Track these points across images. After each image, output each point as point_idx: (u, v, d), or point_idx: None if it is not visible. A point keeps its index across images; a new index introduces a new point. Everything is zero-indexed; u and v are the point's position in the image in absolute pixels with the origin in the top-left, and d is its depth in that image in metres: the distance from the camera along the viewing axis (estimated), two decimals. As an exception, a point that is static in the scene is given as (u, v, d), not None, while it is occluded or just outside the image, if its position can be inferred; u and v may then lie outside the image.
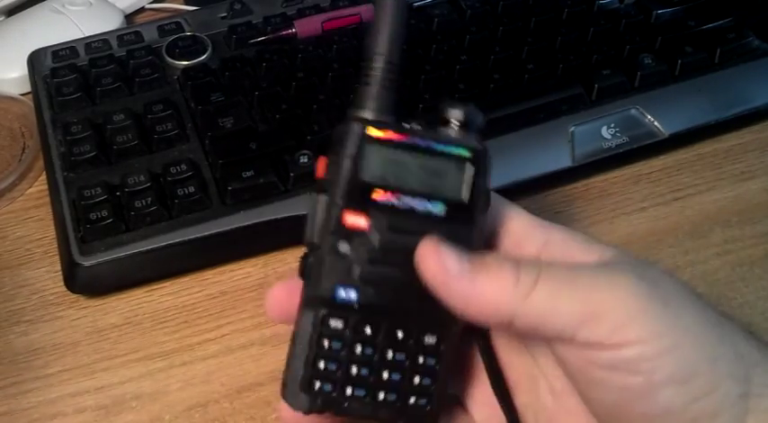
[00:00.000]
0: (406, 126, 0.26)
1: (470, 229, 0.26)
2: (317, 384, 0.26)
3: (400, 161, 0.25)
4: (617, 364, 0.23)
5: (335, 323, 0.26)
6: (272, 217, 0.39)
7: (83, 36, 0.50)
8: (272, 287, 0.27)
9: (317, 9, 0.50)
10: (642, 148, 0.43)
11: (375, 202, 0.25)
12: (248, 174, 0.39)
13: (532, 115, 0.43)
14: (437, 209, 0.25)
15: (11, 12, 0.56)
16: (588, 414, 0.26)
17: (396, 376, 0.26)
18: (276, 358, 0.36)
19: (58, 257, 0.39)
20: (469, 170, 0.25)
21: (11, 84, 0.50)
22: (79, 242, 0.38)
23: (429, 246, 0.24)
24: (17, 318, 0.38)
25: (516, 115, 0.42)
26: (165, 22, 0.50)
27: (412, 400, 0.27)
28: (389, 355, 0.26)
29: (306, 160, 0.40)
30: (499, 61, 0.45)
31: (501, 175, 0.41)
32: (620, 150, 0.42)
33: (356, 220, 0.25)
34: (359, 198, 0.25)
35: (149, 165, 0.41)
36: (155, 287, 0.39)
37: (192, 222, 0.38)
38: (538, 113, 0.43)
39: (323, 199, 0.25)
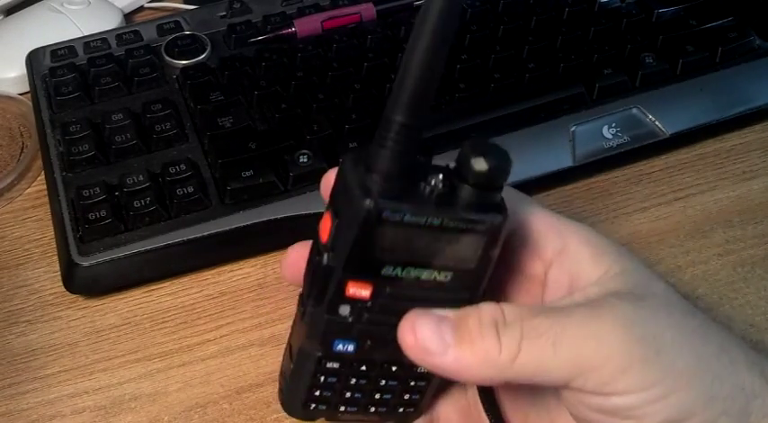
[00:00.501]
0: (421, 189, 0.23)
1: (474, 287, 0.25)
2: (312, 405, 0.28)
3: (411, 240, 0.23)
4: (609, 409, 0.24)
5: (332, 365, 0.26)
6: (272, 217, 0.38)
7: (81, 35, 0.50)
8: (288, 250, 0.27)
9: (317, 8, 0.49)
10: (643, 148, 0.43)
11: (380, 276, 0.24)
12: (247, 173, 0.39)
13: (533, 115, 0.42)
14: (443, 277, 0.24)
15: (9, 11, 0.56)
16: None
17: (387, 396, 0.28)
18: (276, 359, 0.35)
19: (56, 258, 0.39)
20: (481, 242, 0.24)
21: (9, 83, 0.50)
22: (78, 242, 0.38)
23: (407, 325, 0.24)
24: (15, 318, 0.38)
25: (517, 115, 0.42)
26: (164, 21, 0.50)
27: (401, 409, 0.29)
28: (382, 382, 0.27)
29: (305, 160, 0.40)
30: (500, 60, 0.45)
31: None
32: (622, 150, 0.42)
33: (359, 291, 0.24)
34: (362, 270, 0.24)
35: (148, 164, 0.40)
36: (154, 287, 0.39)
37: (191, 222, 0.38)
38: (539, 113, 0.43)
39: (326, 264, 0.24)
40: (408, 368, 0.27)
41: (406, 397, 0.28)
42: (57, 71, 0.46)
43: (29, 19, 0.53)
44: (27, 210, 0.43)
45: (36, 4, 0.55)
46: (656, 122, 0.43)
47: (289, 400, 0.28)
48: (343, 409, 0.28)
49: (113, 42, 0.48)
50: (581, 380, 0.23)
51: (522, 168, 0.41)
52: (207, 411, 0.34)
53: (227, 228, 0.38)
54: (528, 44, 0.45)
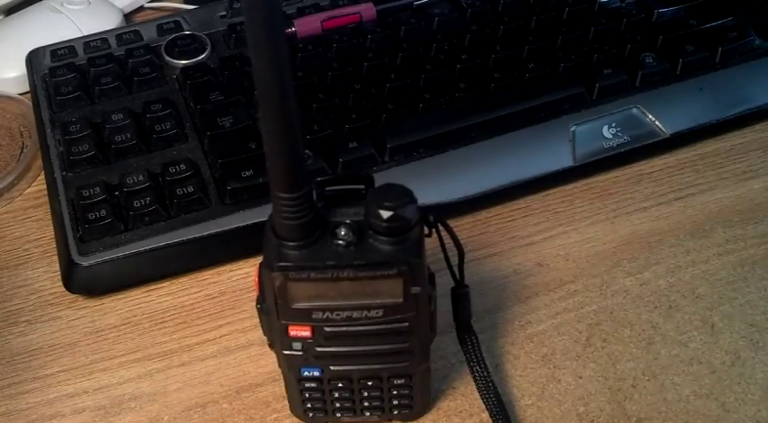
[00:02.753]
0: (329, 244, 0.24)
1: (413, 317, 0.26)
2: (311, 414, 0.32)
3: (327, 293, 0.25)
4: None
5: (309, 384, 0.29)
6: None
7: (81, 35, 0.50)
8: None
9: (317, 8, 0.49)
10: (643, 148, 0.43)
11: (312, 319, 0.26)
12: (248, 173, 0.39)
13: (533, 114, 0.42)
14: (374, 314, 0.26)
15: (9, 11, 0.56)
16: None
17: (376, 402, 0.30)
18: (275, 359, 0.35)
19: (56, 257, 0.39)
20: (399, 282, 0.25)
21: (9, 83, 0.50)
22: (78, 242, 0.38)
23: None
24: (15, 318, 0.38)
25: (517, 114, 0.42)
26: (164, 20, 0.50)
27: (395, 411, 0.31)
28: (365, 394, 0.30)
29: (305, 160, 0.40)
30: (500, 60, 0.45)
31: (501, 174, 0.41)
32: (622, 150, 0.42)
33: (299, 332, 0.27)
34: (297, 318, 0.26)
35: (148, 164, 0.40)
36: (153, 287, 0.39)
37: (190, 222, 0.38)
38: (539, 113, 0.43)
39: (267, 314, 0.27)
40: (385, 380, 0.28)
41: (395, 402, 0.30)
42: (57, 71, 0.46)
43: (29, 19, 0.53)
44: (27, 209, 0.43)
45: (36, 4, 0.55)
46: (656, 122, 0.43)
47: (292, 405, 0.31)
48: (339, 415, 0.30)
49: (113, 42, 0.48)
50: None
51: (522, 168, 0.41)
52: (207, 411, 0.34)
53: (227, 228, 0.38)
54: (528, 44, 0.45)
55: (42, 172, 0.43)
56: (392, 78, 0.43)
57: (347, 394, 0.30)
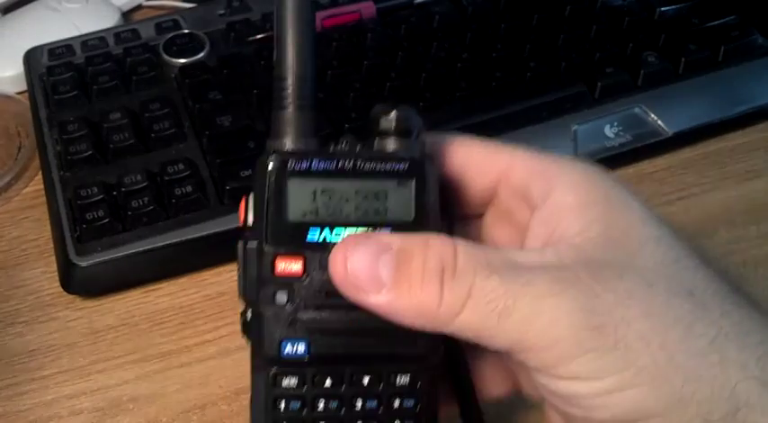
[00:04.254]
0: (333, 148, 0.23)
1: None
2: None
3: (329, 191, 0.22)
4: (556, 392, 0.22)
5: (288, 381, 0.23)
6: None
7: (79, 34, 0.50)
8: None
9: (317, 6, 0.49)
10: (646, 147, 0.42)
11: (307, 243, 0.22)
12: (246, 173, 0.39)
13: (535, 113, 0.42)
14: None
15: (7, 9, 0.55)
16: None
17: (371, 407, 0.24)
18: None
19: (54, 258, 0.39)
20: (410, 186, 0.22)
21: (7, 82, 0.50)
22: (75, 242, 0.37)
23: (339, 251, 0.21)
24: (13, 319, 0.38)
25: (518, 113, 0.42)
26: (163, 19, 0.49)
27: None
28: (359, 404, 0.23)
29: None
30: (501, 59, 0.44)
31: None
32: (624, 149, 0.42)
33: (289, 265, 0.22)
34: (288, 241, 0.22)
35: (146, 164, 0.40)
36: (152, 288, 0.39)
37: (189, 222, 0.38)
38: (540, 112, 0.42)
39: (251, 247, 0.22)
40: (384, 377, 0.23)
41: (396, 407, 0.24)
42: (54, 70, 0.45)
43: (26, 17, 0.53)
44: (24, 210, 0.43)
45: (34, 3, 0.54)
46: (659, 121, 0.43)
47: None
48: None
49: (111, 41, 0.48)
50: (523, 355, 0.21)
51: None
52: (205, 412, 0.34)
53: (225, 228, 0.38)
54: (529, 43, 0.45)
55: (40, 172, 0.43)
56: (392, 77, 0.43)
57: (335, 404, 0.23)
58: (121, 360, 0.36)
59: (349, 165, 0.22)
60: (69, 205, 0.39)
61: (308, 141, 0.23)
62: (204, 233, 0.38)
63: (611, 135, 0.42)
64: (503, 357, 0.26)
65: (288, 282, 0.22)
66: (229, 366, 0.35)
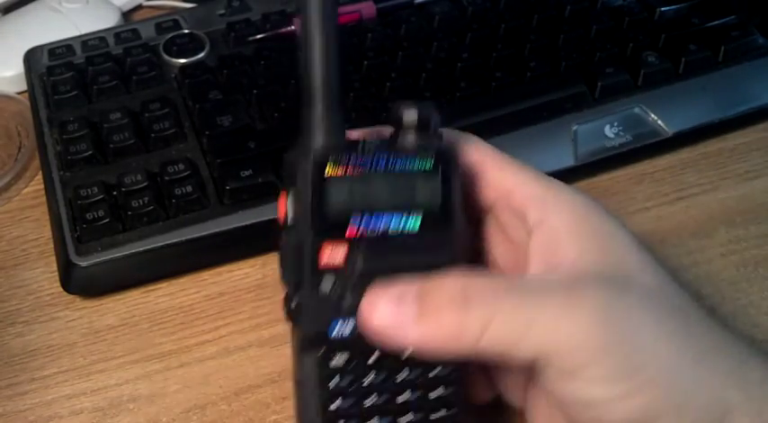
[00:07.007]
0: (360, 146, 0.25)
1: (449, 237, 0.25)
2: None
3: (362, 187, 0.24)
4: (569, 397, 0.23)
5: (337, 361, 0.25)
6: (271, 217, 0.38)
7: (79, 34, 0.50)
8: None
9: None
10: (646, 147, 0.42)
11: (347, 236, 0.24)
12: (246, 173, 0.39)
13: (535, 114, 0.42)
14: (411, 224, 0.25)
15: (7, 9, 0.55)
16: None
17: (413, 396, 0.26)
18: (275, 360, 0.35)
19: (54, 258, 0.39)
20: (436, 176, 0.25)
21: (7, 82, 0.50)
22: (75, 242, 0.37)
23: (366, 307, 0.24)
24: (13, 319, 0.38)
25: (518, 113, 0.42)
26: (163, 19, 0.49)
27: (436, 415, 0.26)
28: (401, 376, 0.26)
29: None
30: (501, 59, 0.44)
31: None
32: (624, 149, 0.42)
33: (332, 257, 0.24)
34: (329, 235, 0.24)
35: (146, 164, 0.40)
36: (152, 288, 0.39)
37: (189, 222, 0.38)
38: (540, 112, 0.42)
39: (293, 239, 0.25)
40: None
41: (436, 393, 0.26)
42: (54, 70, 0.45)
43: (27, 17, 0.53)
44: (24, 210, 0.43)
45: (34, 3, 0.54)
46: (659, 121, 0.43)
47: (305, 412, 0.26)
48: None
49: (111, 41, 0.48)
50: (546, 362, 0.23)
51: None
52: (206, 413, 0.34)
53: (225, 228, 0.38)
54: (529, 42, 0.45)
55: (40, 172, 0.43)
56: (392, 77, 0.43)
57: (382, 377, 0.26)
58: (121, 360, 0.36)
59: (381, 157, 0.24)
60: (69, 205, 0.39)
61: (339, 137, 0.25)
62: (204, 233, 0.38)
63: (612, 135, 0.42)
64: (487, 365, 0.28)
65: (331, 272, 0.24)
66: (229, 366, 0.35)
